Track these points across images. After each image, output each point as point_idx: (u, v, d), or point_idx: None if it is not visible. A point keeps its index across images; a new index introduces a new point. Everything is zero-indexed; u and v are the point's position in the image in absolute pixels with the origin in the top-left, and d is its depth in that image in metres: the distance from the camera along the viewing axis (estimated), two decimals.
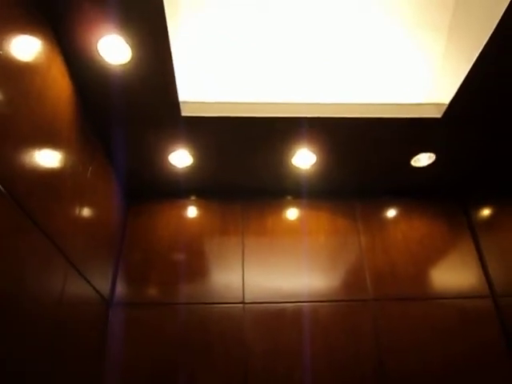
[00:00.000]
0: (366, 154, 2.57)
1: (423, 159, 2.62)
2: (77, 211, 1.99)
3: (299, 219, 2.90)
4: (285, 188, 2.94)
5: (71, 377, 1.93)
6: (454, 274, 2.75)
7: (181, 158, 2.53)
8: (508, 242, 2.87)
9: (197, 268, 2.66)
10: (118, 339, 2.41)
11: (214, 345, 2.42)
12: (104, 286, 2.43)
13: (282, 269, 2.69)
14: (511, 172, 2.82)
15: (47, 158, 1.67)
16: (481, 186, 3.01)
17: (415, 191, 3.02)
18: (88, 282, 2.14)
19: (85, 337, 2.13)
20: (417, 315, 2.58)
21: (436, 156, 2.59)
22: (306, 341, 2.46)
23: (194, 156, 2.53)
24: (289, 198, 2.98)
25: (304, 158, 2.58)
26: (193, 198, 2.95)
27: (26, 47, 1.49)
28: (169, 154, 2.50)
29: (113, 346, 2.38)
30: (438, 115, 2.22)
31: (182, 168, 2.65)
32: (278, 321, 2.52)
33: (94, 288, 2.25)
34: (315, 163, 2.63)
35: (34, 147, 1.55)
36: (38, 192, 1.58)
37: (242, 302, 2.55)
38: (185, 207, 2.90)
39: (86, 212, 2.11)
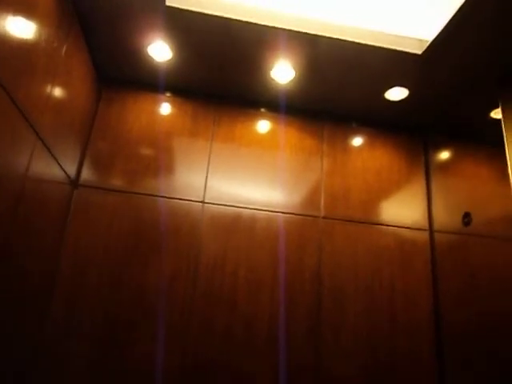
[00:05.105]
0: (343, 77, 2.60)
1: (397, 93, 2.70)
2: (49, 88, 1.98)
3: (269, 132, 2.98)
4: (260, 99, 2.98)
5: (30, 249, 2.06)
6: (401, 206, 2.99)
7: (160, 50, 2.48)
8: (455, 185, 3.10)
9: (162, 163, 2.75)
10: (79, 220, 2.54)
11: (169, 237, 2.60)
12: (71, 167, 2.50)
13: (244, 177, 2.83)
14: (473, 120, 2.95)
15: (21, 28, 1.62)
16: (443, 129, 3.16)
17: (382, 123, 3.14)
18: (56, 159, 2.20)
19: (48, 213, 2.22)
20: (358, 237, 2.83)
21: (409, 92, 2.67)
22: (256, 245, 2.68)
23: (173, 51, 2.48)
24: (262, 110, 3.02)
25: (283, 72, 2.59)
26: (168, 94, 2.94)
27: None
28: (148, 45, 2.44)
29: (73, 226, 2.52)
30: (419, 51, 2.26)
31: (161, 62, 2.61)
32: (234, 224, 2.70)
33: (61, 167, 2.32)
34: (293, 79, 2.65)
35: (8, 14, 1.51)
36: (10, 62, 1.56)
37: (202, 202, 2.71)
38: (159, 103, 2.90)
39: (58, 90, 2.10)
